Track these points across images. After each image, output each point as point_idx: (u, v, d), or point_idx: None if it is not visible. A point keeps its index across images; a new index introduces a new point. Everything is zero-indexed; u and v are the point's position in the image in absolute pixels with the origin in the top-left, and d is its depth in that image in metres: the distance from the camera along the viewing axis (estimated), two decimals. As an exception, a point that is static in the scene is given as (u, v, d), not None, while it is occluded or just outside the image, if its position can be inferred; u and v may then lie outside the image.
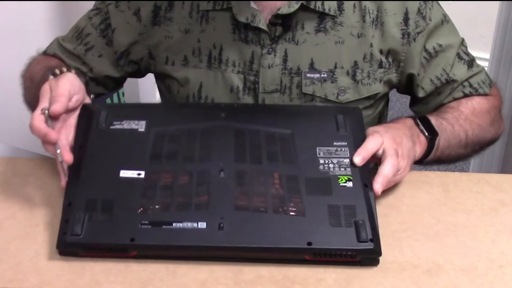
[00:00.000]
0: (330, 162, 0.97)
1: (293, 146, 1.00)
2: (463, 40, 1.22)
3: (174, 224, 0.88)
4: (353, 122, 1.02)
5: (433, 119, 1.12)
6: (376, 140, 0.99)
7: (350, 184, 0.94)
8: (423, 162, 1.11)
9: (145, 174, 0.95)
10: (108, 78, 1.25)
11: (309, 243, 0.86)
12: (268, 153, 0.98)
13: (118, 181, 0.94)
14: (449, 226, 0.98)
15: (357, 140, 0.99)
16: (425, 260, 0.91)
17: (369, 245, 0.87)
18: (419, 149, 1.08)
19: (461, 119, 1.16)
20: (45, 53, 1.26)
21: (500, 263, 0.91)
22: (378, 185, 0.95)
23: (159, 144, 0.99)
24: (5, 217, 0.98)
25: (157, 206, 0.91)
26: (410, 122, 1.10)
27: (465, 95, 1.21)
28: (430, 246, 0.94)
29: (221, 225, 0.88)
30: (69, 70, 1.07)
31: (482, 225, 0.99)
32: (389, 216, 0.98)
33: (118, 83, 1.31)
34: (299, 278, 0.87)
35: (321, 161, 0.97)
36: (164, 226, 0.88)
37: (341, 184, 0.94)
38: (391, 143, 1.00)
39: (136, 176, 0.95)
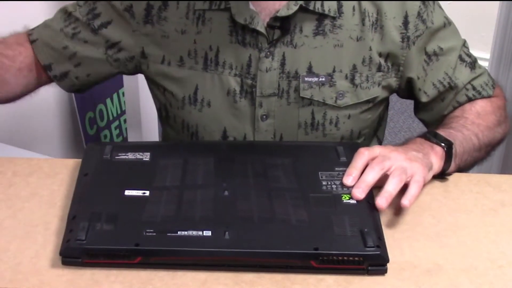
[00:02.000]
0: (332, 183, 0.98)
1: (295, 172, 1.01)
2: (464, 41, 1.21)
3: (179, 232, 0.88)
4: (353, 152, 1.02)
5: (441, 132, 1.11)
6: (360, 157, 0.99)
7: (353, 201, 0.95)
8: (446, 173, 1.09)
9: (150, 193, 0.96)
10: (92, 65, 1.22)
11: (316, 248, 0.86)
12: (270, 177, 1.00)
13: (123, 198, 0.95)
14: (449, 226, 0.98)
15: None
16: (425, 260, 0.91)
17: (376, 250, 0.87)
18: (436, 160, 1.05)
19: (468, 125, 1.15)
20: (28, 34, 1.23)
21: (500, 263, 0.91)
22: (357, 190, 0.95)
23: (164, 170, 1.01)
24: (5, 217, 0.98)
25: (162, 217, 0.91)
26: (419, 139, 1.09)
27: (469, 99, 1.20)
28: (430, 246, 0.94)
29: (227, 232, 0.88)
30: None
31: (482, 225, 0.99)
32: (389, 216, 0.98)
33: (100, 76, 1.27)
34: (299, 278, 0.87)
35: (324, 182, 0.98)
36: (169, 234, 0.88)
37: (344, 201, 0.95)
38: (381, 149, 1.01)
39: (141, 194, 0.96)
